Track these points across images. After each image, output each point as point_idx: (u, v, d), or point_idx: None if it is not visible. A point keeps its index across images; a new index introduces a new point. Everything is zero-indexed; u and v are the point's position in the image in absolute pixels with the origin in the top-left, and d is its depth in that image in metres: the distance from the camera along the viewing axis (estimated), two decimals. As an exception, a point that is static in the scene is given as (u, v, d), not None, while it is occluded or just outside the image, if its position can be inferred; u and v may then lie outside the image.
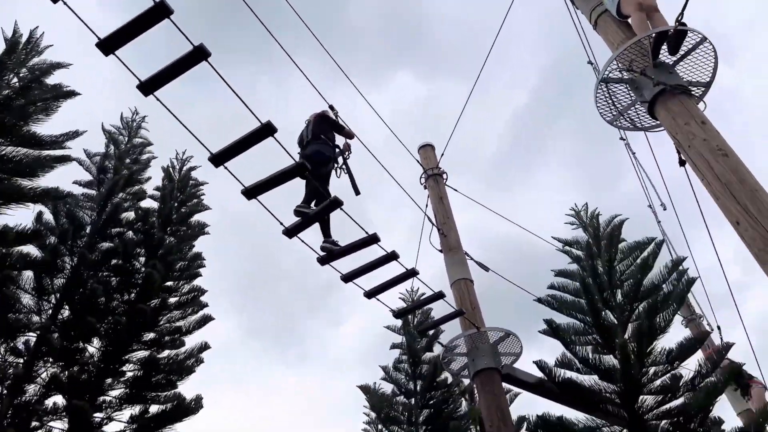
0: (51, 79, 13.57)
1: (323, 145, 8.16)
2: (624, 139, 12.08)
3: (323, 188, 7.75)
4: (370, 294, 9.20)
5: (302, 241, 7.32)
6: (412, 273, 9.27)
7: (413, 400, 14.10)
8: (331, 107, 8.70)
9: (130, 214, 15.61)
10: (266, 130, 5.72)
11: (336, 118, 8.75)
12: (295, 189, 7.87)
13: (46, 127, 13.21)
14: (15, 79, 13.04)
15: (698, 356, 11.10)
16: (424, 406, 13.99)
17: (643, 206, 12.46)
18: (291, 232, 7.23)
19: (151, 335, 13.84)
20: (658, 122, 8.08)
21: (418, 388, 14.15)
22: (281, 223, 6.98)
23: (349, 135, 8.68)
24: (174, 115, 5.81)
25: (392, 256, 8.34)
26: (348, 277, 8.36)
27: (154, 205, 16.62)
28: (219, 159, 5.93)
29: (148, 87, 5.30)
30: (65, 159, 12.86)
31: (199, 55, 5.16)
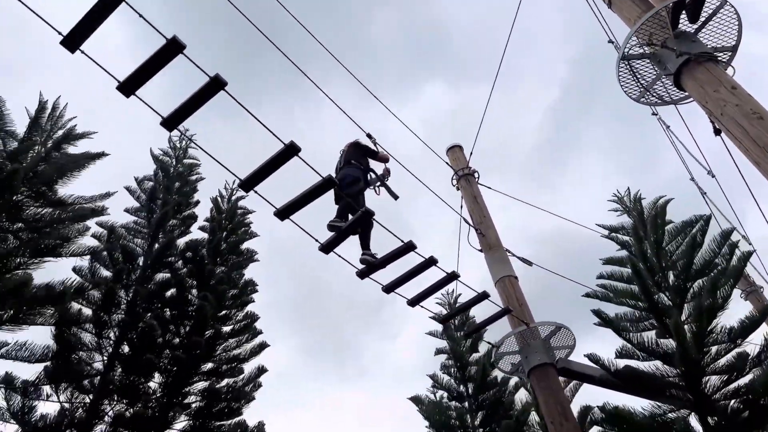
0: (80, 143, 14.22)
1: (352, 168, 8.48)
2: (656, 114, 11.79)
3: (356, 203, 7.86)
4: (413, 302, 9.15)
5: (339, 256, 7.39)
6: (453, 276, 9.19)
7: (466, 403, 13.90)
8: (369, 135, 8.97)
9: (182, 242, 15.95)
10: (290, 151, 5.80)
11: (374, 145, 9.02)
12: (331, 210, 8.06)
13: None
14: (42, 150, 13.60)
15: (764, 329, 10.69)
16: (478, 408, 13.77)
17: (688, 183, 12.12)
18: (327, 248, 7.30)
19: (209, 365, 14.07)
20: (686, 94, 7.91)
21: (470, 390, 13.94)
22: (317, 240, 7.08)
23: (384, 159, 8.99)
24: (200, 147, 6.00)
25: (431, 262, 8.29)
26: (389, 288, 8.38)
27: (204, 236, 16.96)
28: (248, 184, 6.03)
29: (171, 122, 5.44)
30: (98, 213, 13.39)
31: (216, 85, 5.26)
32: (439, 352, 15.26)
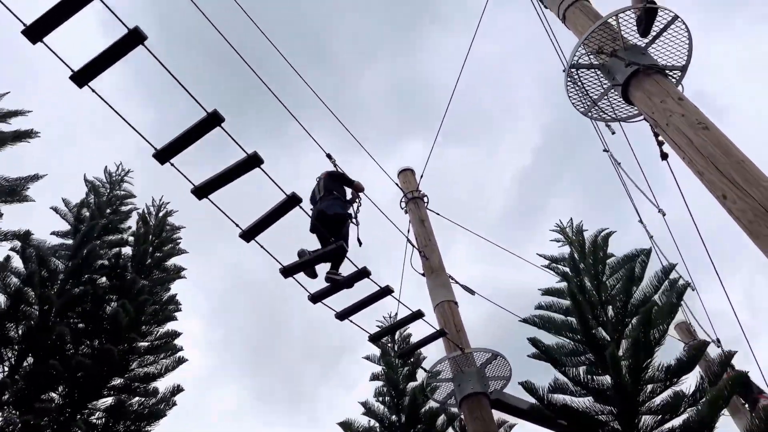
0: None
1: (337, 200, 8.61)
2: (607, 150, 11.76)
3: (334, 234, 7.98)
4: (342, 315, 8.64)
5: (298, 282, 7.32)
6: (387, 291, 8.77)
7: (398, 434, 13.21)
8: (329, 156, 8.96)
9: (105, 261, 15.01)
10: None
11: (335, 167, 9.11)
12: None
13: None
14: None
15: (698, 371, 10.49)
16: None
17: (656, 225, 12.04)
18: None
19: (120, 381, 13.04)
20: (635, 111, 7.76)
21: (402, 420, 13.24)
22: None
23: (359, 188, 9.14)
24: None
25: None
26: (316, 297, 8.05)
27: (129, 251, 16.05)
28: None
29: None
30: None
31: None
32: (374, 377, 14.55)
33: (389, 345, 15.31)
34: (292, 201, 6.27)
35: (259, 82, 6.94)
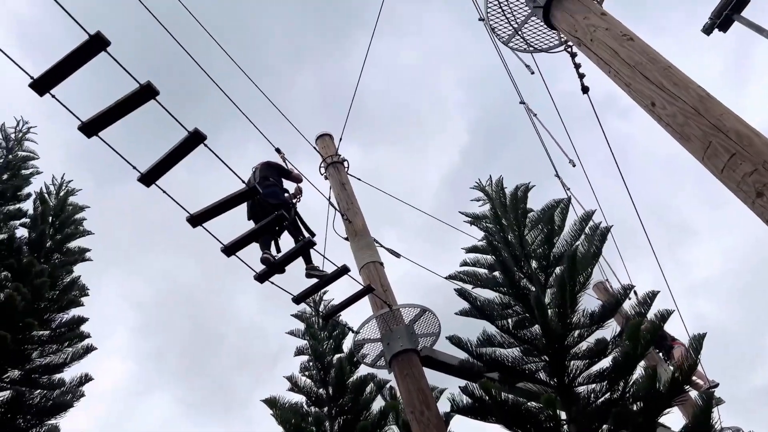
0: None
1: (274, 187, 8.84)
2: (524, 103, 11.73)
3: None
4: (261, 277, 8.10)
5: (242, 260, 6.98)
6: (309, 243, 8.37)
7: (326, 408, 12.69)
8: (278, 150, 9.25)
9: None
10: (195, 138, 5.49)
11: (284, 162, 9.42)
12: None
13: None
14: None
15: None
16: (339, 413, 12.61)
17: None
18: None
19: (17, 373, 11.88)
20: (555, 41, 7.64)
21: (330, 393, 12.77)
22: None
23: (297, 179, 9.50)
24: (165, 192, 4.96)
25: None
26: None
27: (26, 232, 14.72)
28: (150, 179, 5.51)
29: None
30: None
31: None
32: (299, 352, 13.96)
33: (313, 318, 14.79)
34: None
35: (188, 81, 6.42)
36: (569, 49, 7.43)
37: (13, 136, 17.16)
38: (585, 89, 7.77)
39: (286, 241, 9.15)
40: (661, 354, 12.80)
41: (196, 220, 6.10)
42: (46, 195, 15.92)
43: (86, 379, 12.67)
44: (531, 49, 7.38)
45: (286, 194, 9.19)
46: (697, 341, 8.24)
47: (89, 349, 13.10)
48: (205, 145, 5.48)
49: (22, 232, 14.62)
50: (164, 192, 5.50)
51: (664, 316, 8.93)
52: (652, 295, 9.31)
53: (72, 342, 12.98)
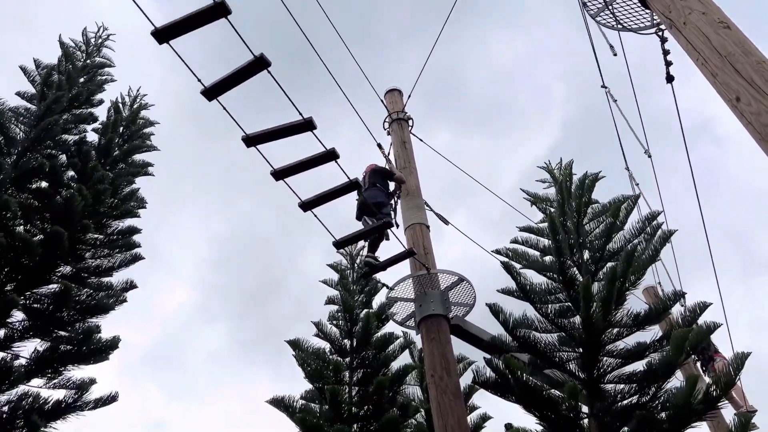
0: None
1: (380, 191, 9.70)
2: (605, 87, 11.21)
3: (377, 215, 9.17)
4: (306, 205, 8.02)
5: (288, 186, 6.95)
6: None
7: (348, 359, 12.74)
8: (379, 145, 11.14)
9: (70, 137, 14.17)
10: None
11: (386, 160, 10.89)
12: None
13: None
14: None
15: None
16: (360, 365, 12.66)
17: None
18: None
19: (69, 269, 12.42)
20: (646, 22, 7.15)
21: (354, 345, 12.80)
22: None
23: (399, 180, 10.36)
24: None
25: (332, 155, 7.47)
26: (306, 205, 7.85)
27: (96, 138, 15.21)
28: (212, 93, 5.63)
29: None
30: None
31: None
32: (329, 302, 14.03)
33: (348, 270, 14.80)
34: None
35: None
36: (660, 33, 6.94)
37: (93, 41, 17.31)
38: (670, 78, 7.28)
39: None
40: (699, 364, 12.25)
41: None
42: (120, 105, 16.36)
43: (131, 285, 13.12)
44: (619, 26, 6.92)
45: (389, 196, 10.04)
46: (740, 360, 7.79)
47: (137, 258, 13.53)
48: (269, 72, 5.48)
49: (93, 137, 15.16)
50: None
51: (710, 327, 8.45)
52: (703, 306, 8.84)
53: (123, 249, 13.44)
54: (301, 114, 5.74)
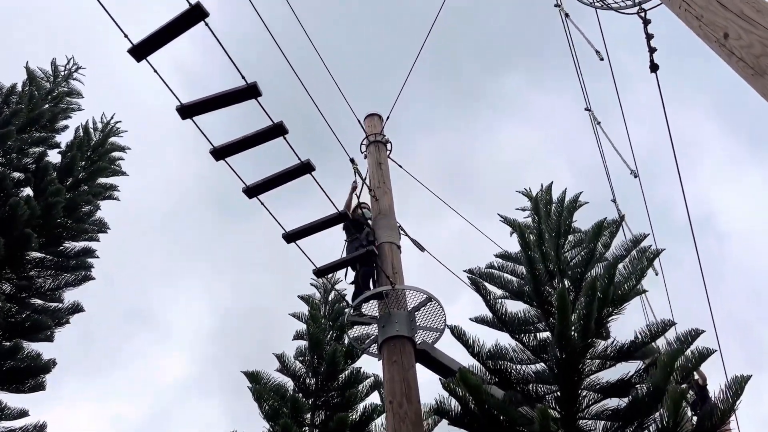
0: None
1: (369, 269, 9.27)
2: (589, 110, 10.82)
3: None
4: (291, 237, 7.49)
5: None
6: (344, 216, 8.32)
7: (312, 399, 11.54)
8: (352, 160, 10.58)
9: (27, 160, 13.47)
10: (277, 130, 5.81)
11: (355, 173, 10.62)
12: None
13: None
14: None
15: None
16: (324, 405, 11.46)
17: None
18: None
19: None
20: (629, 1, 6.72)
21: (319, 383, 11.61)
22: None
23: (347, 208, 10.06)
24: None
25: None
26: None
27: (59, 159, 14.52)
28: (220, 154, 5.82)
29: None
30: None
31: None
32: (297, 336, 12.98)
33: (322, 305, 13.82)
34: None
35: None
36: (643, 13, 6.48)
37: (62, 72, 17.29)
38: (654, 67, 6.77)
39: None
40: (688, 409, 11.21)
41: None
42: (91, 129, 15.81)
43: (77, 308, 12.13)
44: (600, 3, 6.46)
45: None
46: (738, 384, 6.86)
47: (87, 278, 12.58)
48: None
49: (57, 159, 14.44)
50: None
51: (703, 353, 7.59)
52: (695, 334, 7.98)
53: (72, 269, 12.52)
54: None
